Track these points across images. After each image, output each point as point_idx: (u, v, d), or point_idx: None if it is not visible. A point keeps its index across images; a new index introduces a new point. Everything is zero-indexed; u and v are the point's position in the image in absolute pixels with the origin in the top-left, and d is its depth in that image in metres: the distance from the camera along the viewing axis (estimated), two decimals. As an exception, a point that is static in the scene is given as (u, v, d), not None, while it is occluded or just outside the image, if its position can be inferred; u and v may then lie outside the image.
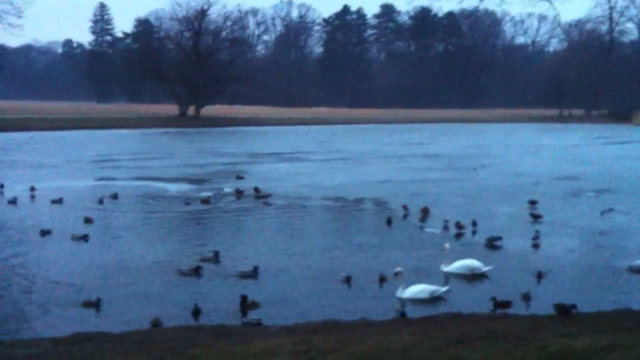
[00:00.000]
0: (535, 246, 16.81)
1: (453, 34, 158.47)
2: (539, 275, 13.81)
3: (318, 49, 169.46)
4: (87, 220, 19.43)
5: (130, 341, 8.98)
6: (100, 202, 23.06)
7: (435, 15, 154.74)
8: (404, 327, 9.32)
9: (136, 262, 14.82)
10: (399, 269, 12.53)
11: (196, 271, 13.65)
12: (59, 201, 22.81)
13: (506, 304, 11.55)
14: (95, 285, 12.89)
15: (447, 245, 14.54)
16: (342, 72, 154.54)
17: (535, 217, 20.50)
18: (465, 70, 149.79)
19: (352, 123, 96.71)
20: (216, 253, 14.84)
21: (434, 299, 12.21)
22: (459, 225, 18.62)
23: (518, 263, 15.12)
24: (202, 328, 9.78)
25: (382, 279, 13.14)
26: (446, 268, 14.23)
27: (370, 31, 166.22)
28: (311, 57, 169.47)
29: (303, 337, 8.60)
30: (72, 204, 22.75)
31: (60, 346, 8.89)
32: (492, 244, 16.79)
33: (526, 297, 12.08)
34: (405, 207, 21.76)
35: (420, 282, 12.66)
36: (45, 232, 17.54)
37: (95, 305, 11.39)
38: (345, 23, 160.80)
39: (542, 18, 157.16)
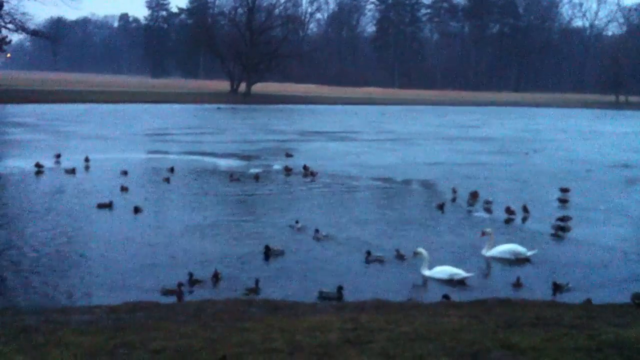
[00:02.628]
0: (585, 233, 16.53)
1: (509, 15, 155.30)
2: (589, 264, 13.61)
3: (370, 28, 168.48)
4: (139, 193, 19.84)
5: (182, 312, 9.19)
6: (155, 174, 23.54)
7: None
8: (452, 309, 9.30)
9: (192, 233, 15.10)
10: (419, 249, 12.76)
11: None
12: (124, 173, 23.24)
13: (562, 287, 11.53)
14: (152, 256, 13.21)
15: (488, 230, 14.41)
16: (394, 52, 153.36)
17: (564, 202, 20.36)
18: (520, 53, 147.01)
19: (403, 104, 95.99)
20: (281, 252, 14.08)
21: (457, 282, 12.26)
22: (509, 211, 18.38)
23: (567, 249, 14.91)
24: (252, 301, 9.93)
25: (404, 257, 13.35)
26: (488, 252, 14.12)
27: (423, 11, 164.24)
28: (363, 36, 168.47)
29: (352, 315, 8.68)
30: (133, 175, 23.24)
31: (113, 314, 9.14)
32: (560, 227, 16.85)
33: (573, 285, 11.92)
34: (454, 190, 21.56)
35: (458, 266, 12.66)
36: (104, 205, 17.79)
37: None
38: (398, 2, 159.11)
39: (601, 1, 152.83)
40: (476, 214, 18.81)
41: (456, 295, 11.07)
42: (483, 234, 14.40)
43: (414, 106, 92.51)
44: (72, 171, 23.58)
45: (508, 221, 17.91)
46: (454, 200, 20.70)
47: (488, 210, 19.19)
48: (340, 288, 10.79)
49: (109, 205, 17.78)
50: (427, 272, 12.53)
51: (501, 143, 41.48)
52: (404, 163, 29.91)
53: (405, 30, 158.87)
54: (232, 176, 23.64)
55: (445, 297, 10.76)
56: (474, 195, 20.68)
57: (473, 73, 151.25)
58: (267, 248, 13.33)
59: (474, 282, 12.36)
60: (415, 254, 12.77)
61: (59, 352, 7.04)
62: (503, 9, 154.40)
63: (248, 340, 7.46)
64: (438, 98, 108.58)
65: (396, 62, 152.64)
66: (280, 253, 13.38)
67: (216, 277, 11.57)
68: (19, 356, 6.89)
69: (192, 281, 11.34)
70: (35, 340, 7.56)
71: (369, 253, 13.52)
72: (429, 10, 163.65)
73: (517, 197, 20.86)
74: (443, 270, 12.51)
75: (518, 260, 13.91)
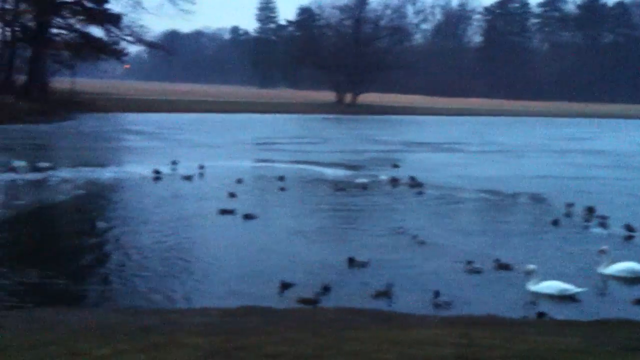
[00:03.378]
0: None
1: (623, 25, 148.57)
2: None
3: (477, 39, 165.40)
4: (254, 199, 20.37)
5: (293, 318, 9.33)
6: (267, 182, 24.19)
7: (605, 4, 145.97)
8: (569, 328, 8.97)
9: (302, 240, 15.35)
10: (530, 266, 12.35)
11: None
12: (239, 181, 23.79)
13: None
14: (265, 261, 13.53)
15: (605, 247, 13.78)
16: (501, 63, 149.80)
17: None
18: (636, 63, 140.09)
19: (510, 115, 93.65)
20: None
21: (566, 298, 11.83)
22: (629, 228, 17.53)
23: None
24: (362, 311, 9.96)
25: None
26: (604, 270, 13.52)
27: (533, 20, 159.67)
28: (469, 46, 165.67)
29: (464, 330, 8.52)
30: (246, 183, 23.86)
31: (227, 317, 9.40)
32: None
33: None
34: (568, 205, 20.79)
35: (571, 282, 12.21)
36: (225, 212, 18.25)
37: (286, 285, 11.72)
38: (507, 12, 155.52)
39: None
40: (592, 230, 18.06)
41: (572, 314, 10.69)
42: (601, 251, 13.81)
43: (522, 117, 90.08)
44: (188, 178, 24.48)
45: (628, 238, 17.09)
46: (568, 215, 19.96)
47: (604, 225, 18.39)
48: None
49: (230, 212, 18.19)
50: (534, 287, 12.13)
51: (616, 157, 39.71)
52: (512, 175, 29.18)
53: (514, 41, 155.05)
54: (337, 185, 23.86)
55: (540, 314, 10.44)
56: (589, 211, 19.85)
57: (585, 84, 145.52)
58: (351, 260, 13.30)
59: (590, 300, 11.88)
60: (527, 272, 12.35)
61: (178, 353, 7.27)
62: (617, 18, 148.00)
63: (359, 350, 7.46)
64: (547, 109, 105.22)
65: (503, 73, 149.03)
66: (363, 265, 13.31)
67: (325, 289, 11.55)
68: (139, 355, 7.14)
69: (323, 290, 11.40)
70: (154, 340, 7.85)
71: (469, 263, 13.43)
72: (538, 20, 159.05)
73: (636, 213, 19.89)
74: (552, 286, 12.08)
75: (636, 279, 13.26)
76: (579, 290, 12.00)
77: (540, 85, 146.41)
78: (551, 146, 46.21)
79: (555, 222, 18.29)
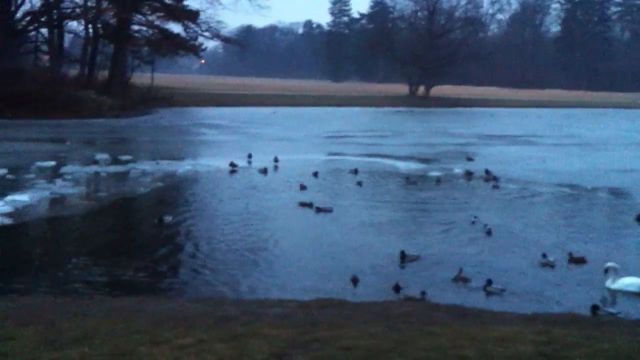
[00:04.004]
0: None
1: None
2: None
3: (555, 28, 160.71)
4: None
5: (369, 311, 9.36)
6: (341, 175, 24.41)
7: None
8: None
9: (377, 234, 15.38)
10: (611, 263, 11.99)
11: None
12: (314, 174, 23.98)
13: None
14: (341, 255, 13.63)
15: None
16: (580, 53, 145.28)
17: None
18: None
19: (590, 107, 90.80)
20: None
21: None
22: None
23: None
24: (438, 306, 9.91)
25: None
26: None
27: (614, 9, 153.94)
28: (547, 36, 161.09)
29: (543, 328, 8.37)
30: (322, 176, 24.08)
31: (304, 309, 9.51)
32: None
33: None
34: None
35: None
36: (304, 204, 18.44)
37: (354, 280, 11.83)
38: (586, 0, 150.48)
39: None
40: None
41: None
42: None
43: (603, 109, 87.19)
44: (264, 171, 24.85)
45: None
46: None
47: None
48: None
49: (309, 205, 18.35)
50: (613, 285, 11.75)
51: None
52: (593, 169, 28.33)
53: (593, 30, 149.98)
54: (410, 179, 23.76)
55: (595, 307, 10.21)
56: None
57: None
58: (403, 254, 13.30)
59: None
60: (607, 269, 11.98)
61: (257, 343, 7.41)
62: None
63: (437, 345, 7.43)
64: (629, 101, 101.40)
65: (582, 63, 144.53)
66: (416, 259, 13.27)
67: (397, 288, 11.42)
68: (219, 344, 7.30)
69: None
70: (234, 330, 8.01)
71: (544, 256, 13.29)
72: (619, 9, 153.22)
73: None
74: (633, 283, 11.67)
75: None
76: None
77: (621, 76, 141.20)
78: (632, 139, 44.59)
79: (638, 218, 17.66)
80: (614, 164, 30.55)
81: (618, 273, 11.88)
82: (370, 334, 7.96)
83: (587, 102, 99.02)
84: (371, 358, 6.97)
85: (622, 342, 7.67)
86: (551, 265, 13.06)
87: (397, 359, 7.00)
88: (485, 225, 16.07)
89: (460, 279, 11.94)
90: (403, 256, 13.26)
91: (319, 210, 17.88)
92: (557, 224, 17.51)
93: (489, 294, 11.35)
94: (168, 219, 16.24)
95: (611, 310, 10.46)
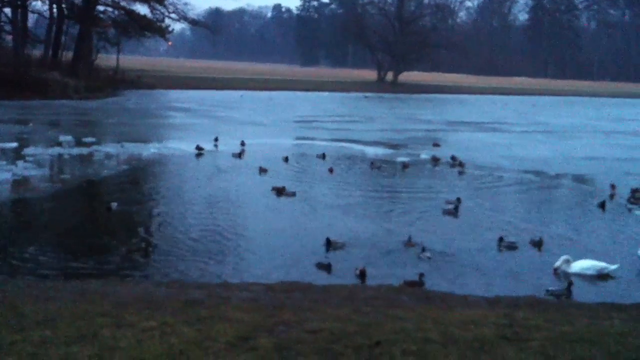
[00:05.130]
0: None
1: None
2: None
3: (523, 17, 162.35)
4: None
5: (335, 294, 9.40)
6: (306, 160, 24.35)
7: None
8: (615, 312, 8.85)
9: (346, 218, 15.43)
10: (565, 256, 12.09)
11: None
12: (285, 159, 23.89)
13: None
14: (309, 237, 13.64)
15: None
16: (547, 42, 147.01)
17: None
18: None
19: (556, 95, 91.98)
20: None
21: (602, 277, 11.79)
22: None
23: None
24: (403, 290, 9.99)
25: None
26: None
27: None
28: (515, 25, 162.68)
29: (506, 311, 8.49)
30: (291, 161, 24.01)
31: (270, 292, 9.51)
32: None
33: None
34: (613, 187, 20.40)
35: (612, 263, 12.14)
36: (279, 191, 18.08)
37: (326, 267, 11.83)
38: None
39: None
40: (638, 212, 17.72)
41: (610, 296, 10.56)
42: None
43: (568, 97, 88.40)
44: (238, 155, 24.72)
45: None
46: (612, 197, 19.61)
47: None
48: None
49: (282, 190, 18.07)
50: (571, 269, 11.91)
51: (666, 139, 38.76)
52: (558, 156, 28.72)
53: (561, 19, 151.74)
54: (374, 164, 23.81)
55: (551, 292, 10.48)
56: (635, 193, 19.46)
57: (633, 63, 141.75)
58: (328, 241, 13.07)
59: (629, 281, 11.73)
60: (564, 262, 12.08)
61: (222, 326, 7.39)
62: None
63: (402, 328, 7.49)
64: (594, 89, 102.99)
65: (549, 52, 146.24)
66: (341, 246, 13.11)
67: (362, 274, 11.33)
68: (185, 328, 7.27)
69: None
70: (199, 313, 7.99)
71: (501, 239, 13.51)
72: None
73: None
74: (591, 266, 11.90)
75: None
76: (614, 267, 11.91)
77: (587, 64, 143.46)
78: (598, 127, 45.32)
79: (603, 205, 17.95)
80: (579, 151, 31.01)
81: (570, 263, 12.04)
82: (336, 316, 7.99)
83: (554, 89, 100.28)
84: (336, 341, 7.00)
85: (582, 325, 7.82)
86: (513, 248, 13.26)
87: (362, 341, 7.04)
88: (450, 212, 16.28)
89: (410, 245, 13.01)
90: (328, 243, 13.02)
91: (280, 193, 17.82)
92: (520, 209, 17.78)
93: (420, 259, 12.28)
94: (114, 205, 15.53)
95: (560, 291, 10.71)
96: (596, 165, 26.67)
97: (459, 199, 17.16)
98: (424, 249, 12.60)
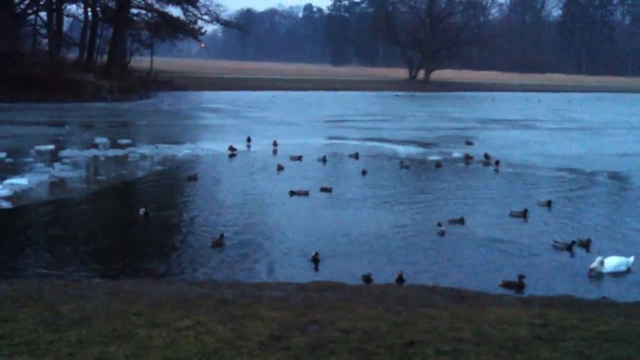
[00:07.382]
0: None
1: None
2: None
3: (556, 12, 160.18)
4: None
5: (367, 294, 9.39)
6: (340, 160, 24.37)
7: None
8: (649, 311, 8.72)
9: (372, 222, 15.40)
10: (600, 258, 11.82)
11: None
12: (323, 160, 23.82)
13: None
14: (334, 239, 13.64)
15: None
16: (580, 37, 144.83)
17: None
18: None
19: (590, 91, 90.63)
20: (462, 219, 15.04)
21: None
22: None
23: None
24: (436, 289, 9.95)
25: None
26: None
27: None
28: (548, 20, 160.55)
29: (540, 310, 8.41)
30: (329, 162, 24.03)
31: (302, 291, 9.54)
32: None
33: None
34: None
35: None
36: (294, 193, 18.06)
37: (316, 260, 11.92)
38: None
39: None
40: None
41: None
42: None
43: (602, 93, 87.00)
44: (298, 158, 24.24)
45: None
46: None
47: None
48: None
49: (305, 193, 17.99)
50: (604, 269, 11.68)
51: None
52: (592, 154, 28.31)
53: (594, 14, 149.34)
54: (403, 163, 23.69)
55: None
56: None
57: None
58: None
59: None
60: (599, 263, 11.89)
61: (255, 325, 7.44)
62: None
63: (434, 327, 7.46)
64: (629, 85, 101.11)
65: (583, 48, 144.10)
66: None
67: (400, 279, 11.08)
68: (218, 327, 7.33)
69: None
70: (233, 312, 8.04)
71: (556, 242, 13.33)
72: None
73: None
74: (620, 262, 11.71)
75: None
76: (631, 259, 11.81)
77: (622, 60, 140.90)
78: (634, 123, 44.56)
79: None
80: (614, 148, 30.53)
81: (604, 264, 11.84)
82: (368, 316, 7.99)
83: (588, 86, 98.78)
84: (369, 340, 7.00)
85: (618, 324, 7.71)
86: (563, 248, 13.08)
87: (395, 341, 7.03)
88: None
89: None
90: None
91: (294, 193, 17.79)
92: (559, 212, 17.30)
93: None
94: (142, 210, 15.21)
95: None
96: (631, 162, 26.26)
97: (549, 202, 17.05)
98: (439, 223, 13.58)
